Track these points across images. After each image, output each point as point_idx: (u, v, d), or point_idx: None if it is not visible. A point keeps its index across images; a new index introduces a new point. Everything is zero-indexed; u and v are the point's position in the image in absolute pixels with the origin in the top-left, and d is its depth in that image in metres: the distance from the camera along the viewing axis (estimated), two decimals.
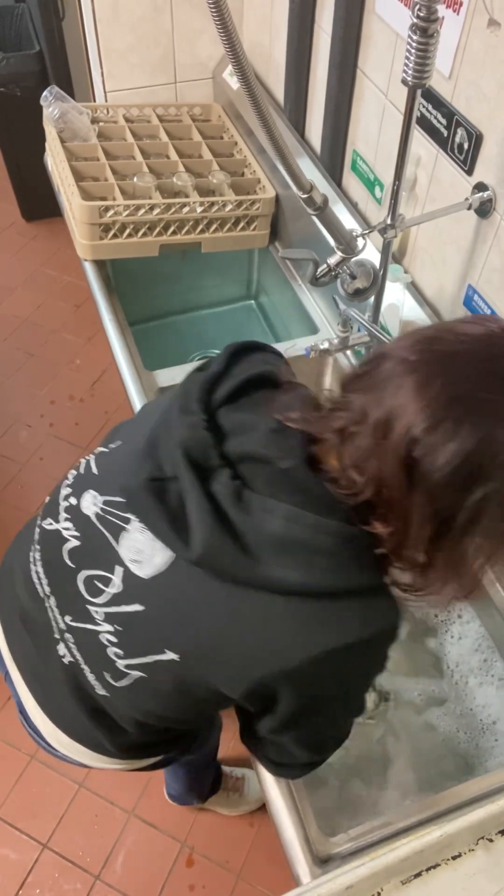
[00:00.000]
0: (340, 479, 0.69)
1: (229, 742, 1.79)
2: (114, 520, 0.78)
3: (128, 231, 1.60)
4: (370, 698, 1.24)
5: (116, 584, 0.78)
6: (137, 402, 1.45)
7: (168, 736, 0.98)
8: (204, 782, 1.67)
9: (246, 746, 0.91)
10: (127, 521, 0.77)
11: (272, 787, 0.99)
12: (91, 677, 0.87)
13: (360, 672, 0.76)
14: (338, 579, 0.69)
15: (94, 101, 1.95)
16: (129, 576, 0.77)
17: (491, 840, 0.86)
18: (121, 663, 0.82)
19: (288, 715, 0.77)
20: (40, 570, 0.90)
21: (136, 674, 0.82)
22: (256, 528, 0.69)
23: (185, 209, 1.63)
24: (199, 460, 0.72)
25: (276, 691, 0.73)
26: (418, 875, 0.82)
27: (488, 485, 0.64)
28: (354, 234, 1.21)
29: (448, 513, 0.65)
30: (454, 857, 0.84)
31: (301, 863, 0.94)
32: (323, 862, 0.94)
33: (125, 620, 0.79)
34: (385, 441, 0.65)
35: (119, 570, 0.77)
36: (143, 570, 0.76)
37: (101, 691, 0.87)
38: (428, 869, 0.83)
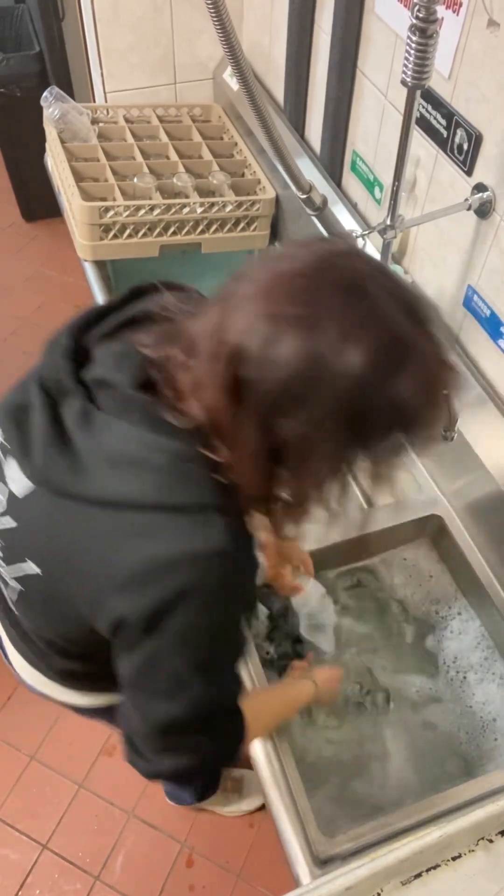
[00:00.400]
0: (178, 403, 0.71)
1: None
2: (4, 442, 0.81)
3: (128, 231, 1.60)
4: (356, 688, 1.24)
5: (2, 501, 0.82)
6: None
7: (100, 668, 0.86)
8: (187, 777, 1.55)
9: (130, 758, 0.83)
10: (5, 446, 0.81)
11: (272, 788, 0.99)
12: (6, 594, 0.91)
13: (198, 599, 0.71)
14: (167, 495, 0.70)
15: (94, 101, 1.95)
16: (10, 494, 0.81)
17: (491, 840, 0.86)
18: (5, 575, 0.87)
19: (142, 658, 0.74)
20: None
21: (17, 587, 0.85)
22: (95, 446, 0.71)
23: (186, 210, 1.63)
24: (51, 385, 0.76)
25: (121, 620, 0.72)
26: (418, 876, 0.82)
27: (316, 408, 0.63)
28: (354, 234, 1.21)
29: (279, 437, 0.65)
30: (454, 858, 0.84)
31: (301, 863, 0.94)
32: (323, 862, 0.95)
33: (6, 535, 0.83)
34: (213, 363, 0.65)
35: (4, 488, 0.81)
36: (18, 489, 0.79)
37: (15, 610, 0.92)
38: (428, 870, 0.83)
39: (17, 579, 0.85)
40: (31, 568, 0.81)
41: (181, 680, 0.75)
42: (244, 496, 0.73)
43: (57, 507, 0.74)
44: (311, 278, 0.64)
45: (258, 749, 1.03)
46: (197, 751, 0.81)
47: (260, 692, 1.10)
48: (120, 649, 0.76)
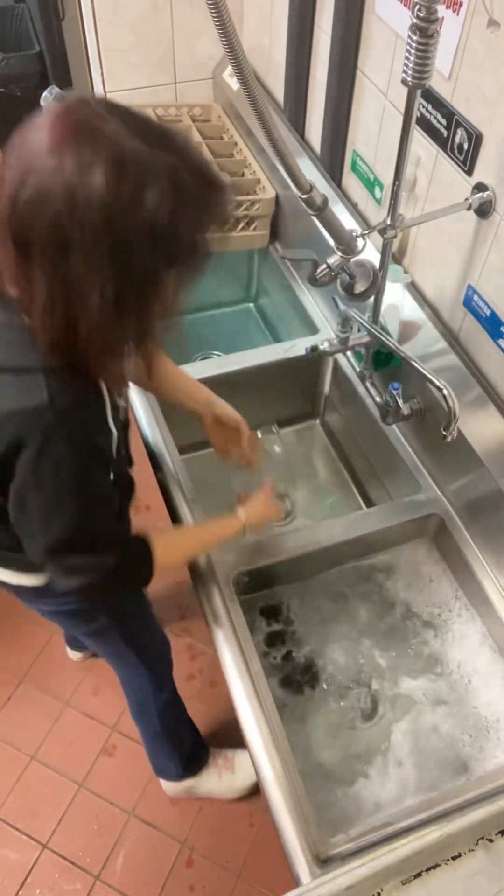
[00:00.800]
0: (4, 276, 0.79)
1: (216, 721, 1.79)
2: None
3: None
4: (359, 690, 1.24)
5: None
6: (138, 403, 1.45)
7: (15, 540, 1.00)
8: (176, 740, 1.64)
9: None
10: None
11: (272, 788, 0.99)
12: None
13: (34, 445, 0.83)
14: (10, 360, 0.82)
15: None
16: None
17: (491, 840, 0.86)
18: None
19: (13, 498, 0.89)
20: None
21: None
22: None
23: None
24: None
25: None
26: (418, 875, 0.82)
27: (82, 242, 0.70)
28: (354, 234, 1.21)
29: (67, 284, 0.73)
30: (454, 858, 0.84)
31: (301, 863, 0.94)
32: (323, 862, 0.95)
33: None
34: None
35: None
36: None
37: None
38: (428, 869, 0.83)
39: None
40: None
41: (48, 509, 0.89)
42: (90, 353, 0.80)
43: None
44: (48, 129, 0.71)
45: (258, 749, 1.03)
46: (96, 569, 0.97)
47: (184, 526, 1.23)
48: None
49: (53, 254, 0.71)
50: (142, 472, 2.38)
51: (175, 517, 1.30)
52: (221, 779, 1.76)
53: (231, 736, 1.90)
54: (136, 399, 1.46)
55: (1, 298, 0.82)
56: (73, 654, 2.02)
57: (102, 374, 0.86)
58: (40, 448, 0.84)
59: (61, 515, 0.90)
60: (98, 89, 1.90)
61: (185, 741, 1.69)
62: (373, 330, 1.31)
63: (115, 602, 1.19)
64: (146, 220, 0.71)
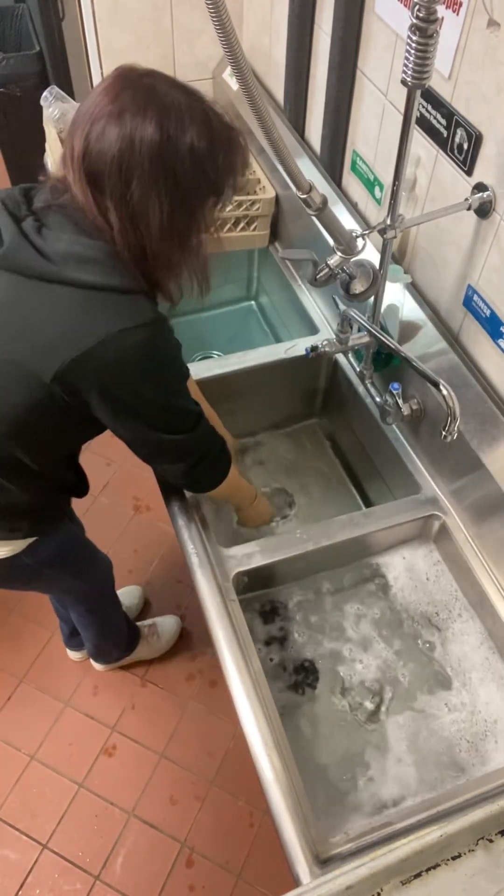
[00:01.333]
0: (87, 213, 0.95)
1: (216, 721, 1.78)
2: None
3: None
4: (360, 690, 1.25)
5: None
6: None
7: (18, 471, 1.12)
8: (112, 627, 1.82)
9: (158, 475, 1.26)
10: None
11: (273, 788, 0.99)
12: None
13: (146, 357, 0.97)
14: (107, 279, 0.95)
15: None
16: None
17: (491, 840, 0.86)
18: None
19: (114, 415, 1.02)
20: None
21: None
22: (51, 247, 0.95)
23: None
24: (12, 208, 0.99)
25: (83, 390, 0.97)
26: (418, 875, 0.82)
27: (142, 173, 0.89)
28: (354, 234, 1.21)
29: (135, 209, 0.92)
30: (454, 858, 0.84)
31: (301, 863, 0.94)
32: (323, 862, 0.95)
33: None
34: (75, 174, 0.93)
35: None
36: None
37: None
38: (428, 869, 0.83)
39: None
40: None
41: (179, 412, 1.07)
42: (155, 275, 1.00)
43: (23, 285, 0.96)
44: (108, 87, 0.92)
45: (259, 748, 1.03)
46: (215, 443, 1.17)
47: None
48: (107, 411, 1.01)
49: (119, 184, 0.90)
50: (142, 472, 2.39)
51: (175, 517, 1.30)
52: (150, 645, 1.99)
53: (232, 732, 1.90)
54: None
55: (87, 225, 0.96)
56: (73, 655, 2.02)
57: (165, 291, 1.04)
58: (153, 355, 0.98)
59: (185, 398, 1.08)
60: None
61: (123, 630, 1.88)
62: (373, 330, 1.31)
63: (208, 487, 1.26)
64: (189, 152, 0.90)
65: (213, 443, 1.16)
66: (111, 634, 1.85)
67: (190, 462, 1.14)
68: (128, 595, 2.12)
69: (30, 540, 1.25)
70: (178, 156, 0.90)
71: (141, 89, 0.90)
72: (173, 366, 1.03)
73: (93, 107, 0.91)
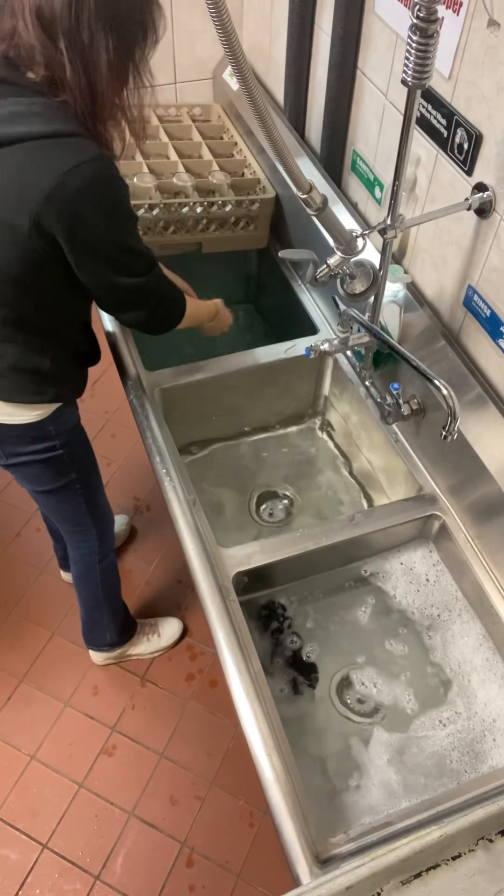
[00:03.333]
0: (28, 70, 1.05)
1: (216, 720, 1.79)
2: None
3: None
4: (360, 688, 1.25)
5: None
6: (139, 404, 1.45)
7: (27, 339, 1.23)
8: (112, 609, 1.85)
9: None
10: None
11: (272, 788, 0.99)
12: None
13: (99, 192, 1.05)
14: (50, 127, 1.04)
15: None
16: None
17: (491, 840, 0.86)
18: None
19: (80, 257, 1.11)
20: None
21: None
22: None
23: (185, 209, 1.63)
24: None
25: (55, 233, 1.06)
26: (418, 875, 0.82)
27: (87, 12, 0.97)
28: (354, 234, 1.21)
29: (80, 51, 1.00)
30: (454, 858, 0.84)
31: (301, 863, 0.94)
32: (323, 862, 0.95)
33: None
34: (25, 22, 1.00)
35: None
36: None
37: None
38: (428, 869, 0.83)
39: None
40: None
41: (131, 241, 1.15)
42: (99, 119, 1.08)
43: None
44: None
45: (259, 748, 1.03)
46: (170, 288, 1.28)
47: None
48: (74, 255, 1.10)
49: (72, 30, 0.99)
50: (142, 472, 2.39)
51: (175, 517, 1.30)
52: (149, 642, 2.02)
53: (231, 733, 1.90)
54: (137, 400, 1.46)
55: (24, 86, 1.05)
56: (66, 576, 2.13)
57: (107, 139, 1.12)
58: (110, 184, 1.07)
59: (138, 241, 1.17)
60: None
61: (119, 612, 1.90)
62: (373, 330, 1.31)
63: (165, 329, 1.36)
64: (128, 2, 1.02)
65: (168, 285, 1.27)
66: (106, 607, 1.84)
67: (151, 306, 1.25)
68: (115, 522, 2.19)
69: (54, 406, 1.33)
70: (121, 3, 1.01)
71: None
72: (124, 203, 1.12)
73: None
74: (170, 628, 2.05)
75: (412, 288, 1.38)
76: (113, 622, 1.90)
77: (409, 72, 0.95)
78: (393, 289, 1.36)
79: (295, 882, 0.93)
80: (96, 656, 2.00)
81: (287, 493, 1.62)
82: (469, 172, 1.15)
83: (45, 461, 1.41)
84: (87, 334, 1.35)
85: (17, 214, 1.05)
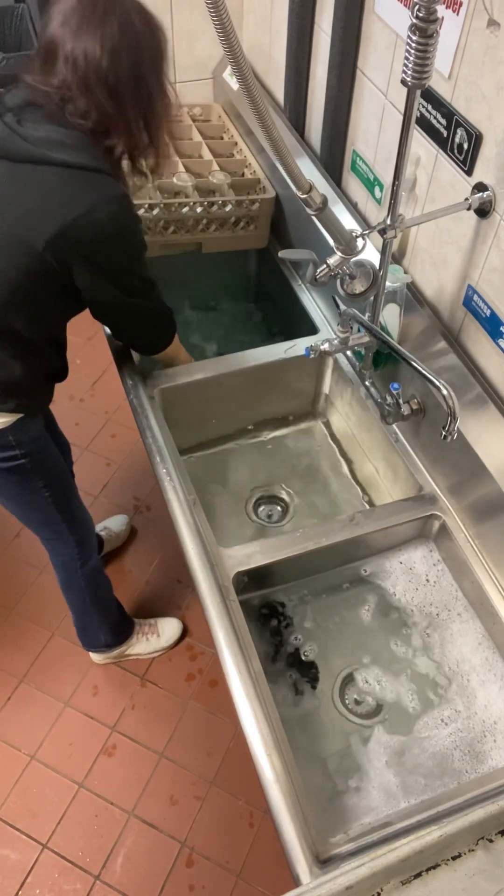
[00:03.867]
0: (65, 109, 1.11)
1: (215, 720, 1.79)
2: None
3: None
4: (361, 689, 1.25)
5: None
6: (139, 404, 1.45)
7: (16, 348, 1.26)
8: (102, 610, 1.86)
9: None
10: None
11: (272, 788, 0.99)
12: None
13: (119, 227, 1.14)
14: (82, 160, 1.10)
15: None
16: None
17: (491, 840, 0.86)
18: None
19: (92, 279, 1.18)
20: None
21: None
22: (32, 135, 1.11)
23: (185, 209, 1.63)
24: None
25: (69, 257, 1.13)
26: (418, 875, 0.82)
27: (140, 60, 1.09)
28: (354, 234, 1.21)
29: (116, 90, 1.08)
30: (454, 858, 0.84)
31: (301, 863, 0.94)
32: (323, 862, 0.95)
33: None
34: (66, 67, 1.09)
35: None
36: None
37: None
38: (428, 869, 0.83)
39: None
40: None
41: (142, 279, 1.25)
42: (125, 156, 1.17)
43: (13, 168, 1.11)
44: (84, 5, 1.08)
45: (259, 748, 1.03)
46: (168, 314, 1.39)
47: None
48: (87, 276, 1.17)
49: (133, 94, 1.10)
50: (142, 472, 2.39)
51: (175, 517, 1.29)
52: (149, 642, 2.02)
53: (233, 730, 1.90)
54: (137, 400, 1.46)
55: (66, 124, 1.11)
56: None
57: (127, 173, 1.23)
58: (128, 220, 1.16)
59: (146, 268, 1.25)
60: None
61: (111, 613, 1.90)
62: (373, 330, 1.31)
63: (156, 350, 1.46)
64: (162, 54, 1.15)
65: (165, 308, 1.36)
66: (95, 610, 1.84)
67: (147, 325, 1.35)
68: (115, 522, 2.22)
69: (16, 417, 1.34)
70: (149, 42, 1.11)
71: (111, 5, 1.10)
72: (138, 235, 1.20)
73: (67, 20, 1.08)
74: (169, 628, 2.05)
75: (412, 288, 1.38)
76: (105, 624, 1.90)
77: (409, 72, 0.95)
78: (393, 289, 1.36)
79: (295, 882, 0.93)
80: (96, 656, 2.00)
81: (287, 493, 1.62)
82: (469, 172, 1.14)
83: (8, 470, 1.41)
84: (60, 353, 1.39)
85: (32, 233, 1.10)
